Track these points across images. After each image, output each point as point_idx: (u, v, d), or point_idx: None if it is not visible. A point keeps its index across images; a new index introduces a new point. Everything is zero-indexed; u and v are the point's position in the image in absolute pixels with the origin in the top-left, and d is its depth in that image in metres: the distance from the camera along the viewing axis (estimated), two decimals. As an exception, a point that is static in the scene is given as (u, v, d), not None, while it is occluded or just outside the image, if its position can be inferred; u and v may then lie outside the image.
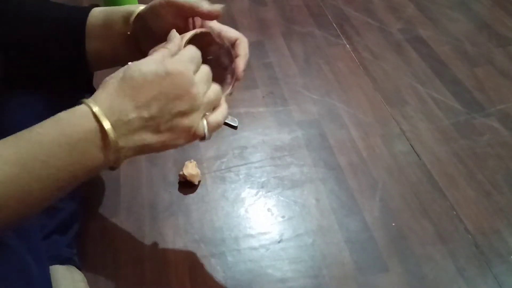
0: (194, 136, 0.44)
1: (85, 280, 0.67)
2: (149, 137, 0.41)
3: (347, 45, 1.18)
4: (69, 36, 0.55)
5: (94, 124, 0.38)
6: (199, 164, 0.86)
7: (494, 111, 0.99)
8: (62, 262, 0.65)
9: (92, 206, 0.80)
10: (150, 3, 0.52)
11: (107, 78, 0.41)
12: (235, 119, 0.96)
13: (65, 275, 0.64)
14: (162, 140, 0.42)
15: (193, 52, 0.44)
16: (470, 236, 0.76)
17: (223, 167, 0.87)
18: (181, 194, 0.83)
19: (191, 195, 0.83)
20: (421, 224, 0.78)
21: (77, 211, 0.72)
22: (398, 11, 1.31)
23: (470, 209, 0.80)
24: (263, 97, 1.03)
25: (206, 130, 0.45)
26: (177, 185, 0.84)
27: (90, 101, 0.39)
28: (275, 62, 1.12)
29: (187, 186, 0.83)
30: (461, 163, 0.88)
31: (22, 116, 0.59)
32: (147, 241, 0.76)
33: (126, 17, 0.53)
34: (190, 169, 0.83)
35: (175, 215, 0.79)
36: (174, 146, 0.44)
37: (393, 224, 0.78)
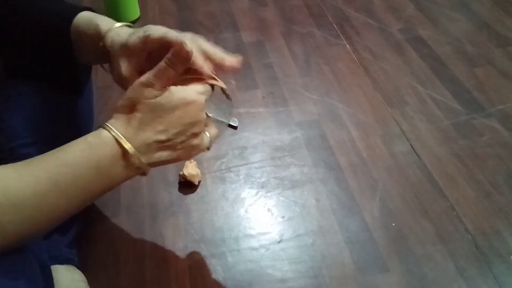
0: (201, 150, 0.51)
1: (85, 280, 0.67)
2: (165, 155, 0.47)
3: (347, 45, 1.18)
4: (56, 33, 0.54)
5: (118, 149, 0.44)
6: (199, 164, 0.86)
7: (494, 111, 0.99)
8: (62, 262, 0.66)
9: (92, 206, 0.80)
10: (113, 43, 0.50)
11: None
12: (235, 119, 0.96)
13: (65, 275, 0.65)
14: (176, 156, 0.49)
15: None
16: (470, 236, 0.76)
17: (223, 167, 0.87)
18: (181, 194, 0.83)
19: (191, 195, 0.83)
20: (421, 224, 0.78)
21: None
22: (398, 11, 1.31)
23: (470, 209, 0.80)
24: (263, 97, 1.03)
25: (209, 143, 0.53)
26: (177, 185, 0.84)
27: (115, 132, 0.44)
28: (275, 62, 1.12)
29: (187, 186, 0.83)
30: (461, 163, 0.88)
31: (18, 105, 0.59)
32: (147, 241, 0.76)
33: (96, 36, 0.52)
34: (190, 169, 0.83)
35: (175, 215, 0.79)
36: (187, 158, 0.51)
37: (393, 224, 0.78)
